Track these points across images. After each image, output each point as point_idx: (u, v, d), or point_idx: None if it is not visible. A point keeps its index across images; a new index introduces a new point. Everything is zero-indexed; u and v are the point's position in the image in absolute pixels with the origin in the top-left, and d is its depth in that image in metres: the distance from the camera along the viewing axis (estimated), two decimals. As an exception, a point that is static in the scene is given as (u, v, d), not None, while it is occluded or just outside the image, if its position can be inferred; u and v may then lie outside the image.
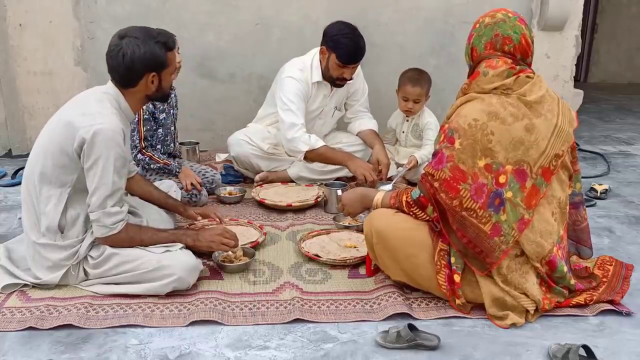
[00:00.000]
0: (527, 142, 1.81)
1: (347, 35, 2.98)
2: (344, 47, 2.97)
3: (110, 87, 2.06)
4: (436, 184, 1.86)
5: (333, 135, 3.48)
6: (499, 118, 1.80)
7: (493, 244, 1.82)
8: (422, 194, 1.92)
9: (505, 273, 1.86)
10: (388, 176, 3.32)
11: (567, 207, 1.96)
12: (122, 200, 2.02)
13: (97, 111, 1.96)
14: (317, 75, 3.15)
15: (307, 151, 3.05)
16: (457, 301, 1.93)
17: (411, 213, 1.97)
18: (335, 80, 3.13)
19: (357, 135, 3.42)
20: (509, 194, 1.82)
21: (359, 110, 3.44)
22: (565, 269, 1.93)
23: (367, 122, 3.41)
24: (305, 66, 3.18)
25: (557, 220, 1.92)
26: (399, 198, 2.00)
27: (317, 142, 3.06)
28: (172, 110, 3.01)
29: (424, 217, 1.95)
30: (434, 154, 1.91)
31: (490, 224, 1.82)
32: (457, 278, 1.90)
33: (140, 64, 2.00)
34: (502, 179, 1.81)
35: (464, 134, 1.81)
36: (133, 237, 2.04)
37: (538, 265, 1.88)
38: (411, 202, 1.95)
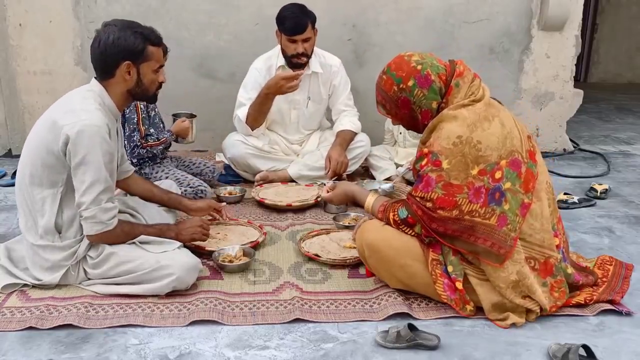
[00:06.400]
0: (508, 134, 1.88)
1: (287, 9, 3.13)
2: (284, 20, 3.11)
3: (94, 84, 2.05)
4: (429, 204, 1.86)
5: (322, 137, 3.45)
6: (477, 127, 1.84)
7: (503, 234, 1.84)
8: (409, 215, 1.92)
9: (517, 279, 1.85)
10: (388, 176, 3.32)
11: (553, 194, 2.00)
12: (113, 197, 2.03)
13: (81, 108, 1.95)
14: (282, 59, 3.24)
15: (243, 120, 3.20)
16: (468, 307, 1.92)
17: (400, 229, 1.97)
18: (291, 59, 3.17)
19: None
20: (507, 185, 1.84)
21: (341, 110, 3.40)
22: (559, 257, 1.93)
23: (345, 122, 3.35)
24: (274, 53, 3.29)
25: (551, 208, 1.94)
26: (386, 214, 1.99)
27: (241, 114, 3.21)
28: None
29: (412, 233, 1.95)
30: (419, 179, 1.90)
31: (495, 217, 1.83)
32: (459, 285, 1.90)
33: (113, 50, 1.98)
34: (497, 175, 1.84)
35: (450, 153, 1.83)
36: (128, 232, 2.05)
37: (550, 252, 1.88)
38: (399, 221, 1.95)
